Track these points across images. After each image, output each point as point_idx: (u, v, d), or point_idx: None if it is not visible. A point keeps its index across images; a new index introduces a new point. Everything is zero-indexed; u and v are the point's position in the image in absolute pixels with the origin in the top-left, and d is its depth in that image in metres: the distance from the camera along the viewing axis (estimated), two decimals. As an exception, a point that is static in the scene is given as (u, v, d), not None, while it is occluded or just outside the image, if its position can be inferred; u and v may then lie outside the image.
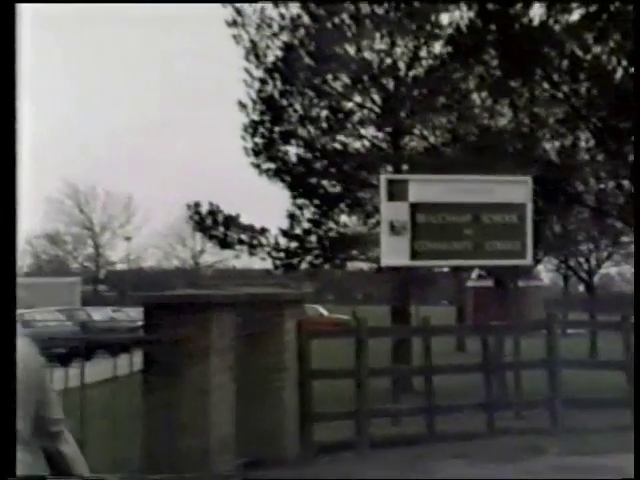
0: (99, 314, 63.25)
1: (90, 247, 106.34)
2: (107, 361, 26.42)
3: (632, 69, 30.08)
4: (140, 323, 23.25)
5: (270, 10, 35.93)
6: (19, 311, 61.95)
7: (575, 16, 33.76)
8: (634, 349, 17.49)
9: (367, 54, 35.67)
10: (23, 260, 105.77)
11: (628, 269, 49.22)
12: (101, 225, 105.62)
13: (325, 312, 54.44)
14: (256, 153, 35.73)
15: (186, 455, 20.16)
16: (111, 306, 59.79)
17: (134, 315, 47.81)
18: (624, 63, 32.43)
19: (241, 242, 36.97)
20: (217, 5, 35.99)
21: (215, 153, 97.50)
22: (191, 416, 20.36)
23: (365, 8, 35.37)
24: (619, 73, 32.76)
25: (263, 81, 36.07)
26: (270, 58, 36.03)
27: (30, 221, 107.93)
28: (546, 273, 47.80)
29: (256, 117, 35.70)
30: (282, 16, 35.86)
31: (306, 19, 35.52)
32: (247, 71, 36.21)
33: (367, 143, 35.43)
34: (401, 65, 35.43)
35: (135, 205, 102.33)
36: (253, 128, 35.83)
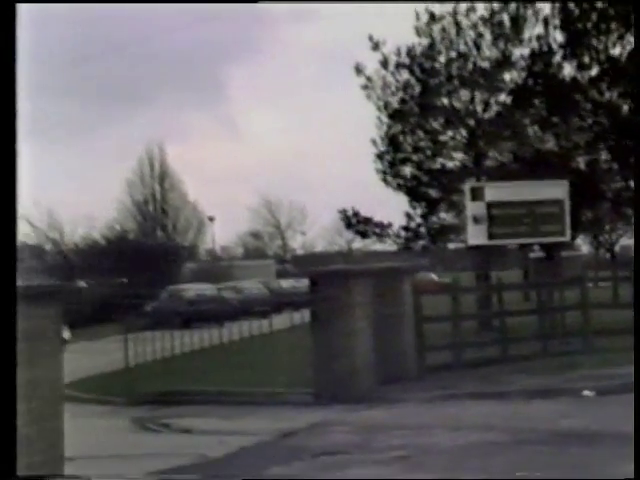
0: (287, 284, 63.78)
1: (279, 240, 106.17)
2: (291, 315, 27.09)
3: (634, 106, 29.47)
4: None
5: (389, 77, 36.28)
6: (232, 283, 61.50)
7: (594, 71, 34.31)
8: (634, 350, 16.80)
9: (456, 103, 36.12)
10: (237, 250, 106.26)
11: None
12: (286, 225, 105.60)
13: (435, 277, 54.38)
14: (384, 173, 36.40)
15: (340, 373, 21.20)
16: (294, 278, 59.95)
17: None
18: (629, 103, 33.02)
19: (375, 233, 37.62)
20: (352, 72, 36.40)
21: (357, 173, 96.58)
22: (342, 349, 21.39)
23: (454, 70, 35.83)
24: (625, 109, 33.35)
25: (388, 125, 36.58)
26: (391, 109, 36.34)
27: (240, 224, 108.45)
28: (583, 246, 47.34)
29: (383, 148, 36.27)
30: (397, 80, 36.29)
31: (413, 81, 35.97)
32: (378, 118, 36.72)
33: (458, 163, 35.91)
34: (479, 109, 35.80)
35: (308, 210, 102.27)
36: (381, 156, 36.44)
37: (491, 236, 29.73)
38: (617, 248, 52.12)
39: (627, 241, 52.30)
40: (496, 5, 35.02)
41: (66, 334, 33.93)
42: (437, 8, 35.55)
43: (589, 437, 15.43)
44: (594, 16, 33.89)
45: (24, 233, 67.82)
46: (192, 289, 58.48)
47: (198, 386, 22.91)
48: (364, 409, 19.62)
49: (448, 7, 35.49)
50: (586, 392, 20.24)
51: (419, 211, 36.29)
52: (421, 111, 36.22)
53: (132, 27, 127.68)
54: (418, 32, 35.91)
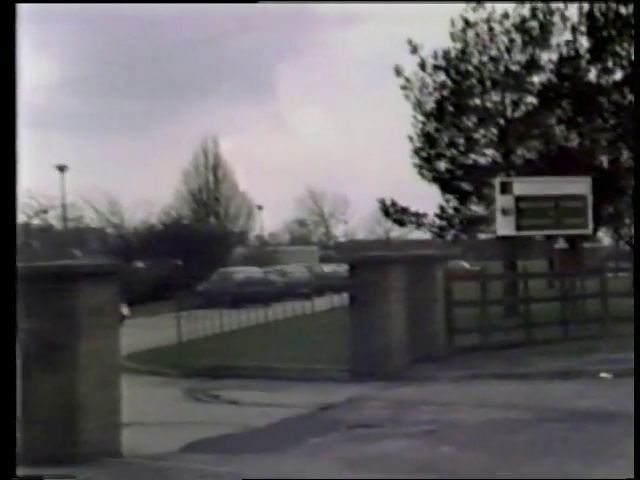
0: (329, 268, 63.80)
1: (323, 228, 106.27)
2: (332, 297, 27.21)
3: None
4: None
5: (426, 78, 36.32)
6: (278, 267, 61.42)
7: (617, 76, 34.30)
8: (634, 349, 16.61)
9: (488, 103, 36.14)
10: (284, 236, 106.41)
11: None
12: (329, 214, 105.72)
13: (467, 265, 54.12)
14: (420, 167, 36.45)
15: (376, 352, 21.32)
16: (336, 263, 59.95)
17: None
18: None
19: (411, 222, 37.66)
20: (392, 74, 36.44)
21: (395, 167, 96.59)
22: (378, 329, 21.50)
23: (486, 73, 35.82)
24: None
25: (423, 123, 36.63)
26: (427, 108, 36.40)
27: (286, 212, 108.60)
28: (605, 238, 47.10)
29: (419, 144, 36.33)
30: (434, 81, 36.35)
31: (448, 82, 36.03)
32: (414, 117, 36.79)
33: (488, 159, 35.90)
34: (508, 110, 35.80)
35: (349, 200, 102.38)
36: (417, 152, 36.51)
37: (518, 227, 29.87)
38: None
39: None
40: (526, 12, 35.05)
41: (125, 310, 34.24)
42: (471, 15, 35.66)
43: (605, 416, 15.52)
44: (618, 24, 33.83)
45: (90, 217, 68.48)
46: (241, 272, 58.64)
47: (244, 362, 23.07)
48: (397, 386, 19.74)
49: (482, 14, 35.56)
50: (603, 374, 20.30)
51: (452, 203, 36.32)
52: (455, 110, 36.26)
53: (189, 29, 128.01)
54: (453, 37, 36.03)
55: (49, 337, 13.51)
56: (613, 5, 34.06)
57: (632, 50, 33.76)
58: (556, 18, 34.98)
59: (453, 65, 36.30)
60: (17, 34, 6.15)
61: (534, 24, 35.13)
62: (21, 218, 62.92)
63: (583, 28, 34.62)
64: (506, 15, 35.36)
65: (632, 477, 7.88)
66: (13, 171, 6.01)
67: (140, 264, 60.00)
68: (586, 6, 34.43)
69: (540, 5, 34.92)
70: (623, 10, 33.85)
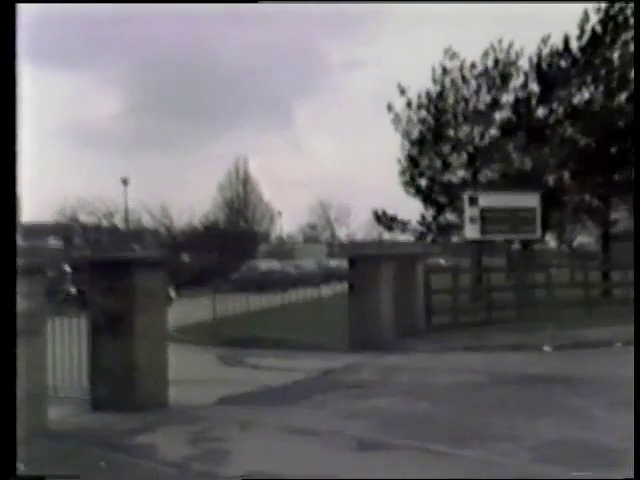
0: (334, 262, 63.67)
1: (329, 230, 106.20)
2: (335, 285, 27.21)
3: None
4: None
5: (411, 114, 36.45)
6: (293, 261, 60.90)
7: (560, 113, 34.42)
8: (634, 351, 16.31)
9: (460, 134, 36.32)
10: (298, 237, 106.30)
11: (587, 239, 48.27)
12: (335, 219, 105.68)
13: (443, 261, 53.90)
14: (406, 184, 36.60)
15: (369, 329, 21.39)
16: (339, 258, 59.85)
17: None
18: (585, 137, 33.13)
19: (398, 228, 37.74)
20: (385, 110, 36.45)
21: (387, 183, 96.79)
22: (371, 311, 21.58)
23: (459, 109, 35.96)
24: (582, 143, 33.48)
25: (409, 149, 36.79)
26: (412, 137, 36.55)
27: (301, 218, 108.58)
28: (551, 241, 47.11)
29: (405, 166, 36.46)
30: (418, 116, 36.54)
31: (429, 117, 36.25)
32: (402, 144, 36.95)
33: (460, 178, 36.01)
34: (476, 139, 36.01)
35: (351, 209, 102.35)
36: (404, 172, 36.64)
37: (483, 232, 30.08)
38: (574, 244, 52.13)
39: (582, 239, 52.16)
40: (490, 63, 35.16)
41: (172, 293, 34.29)
42: (448, 63, 35.85)
43: (546, 380, 15.64)
44: (560, 74, 33.93)
45: (146, 220, 68.59)
46: (264, 264, 58.60)
47: (265, 334, 23.07)
48: (385, 355, 19.74)
49: (456, 63, 35.74)
50: (546, 347, 20.37)
51: (431, 212, 36.36)
52: (434, 139, 36.30)
53: (226, 69, 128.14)
54: (434, 81, 36.14)
55: (112, 312, 13.62)
56: (556, 58, 34.21)
57: (571, 94, 34.02)
58: (512, 68, 35.14)
59: (433, 103, 36.37)
60: (17, 34, 5.49)
61: (496, 72, 35.26)
62: (92, 219, 63.19)
63: (533, 75, 34.76)
64: (474, 65, 35.52)
65: (632, 477, 7.38)
66: (13, 172, 5.47)
67: (185, 257, 59.91)
68: (535, 59, 34.57)
69: (501, 57, 35.03)
70: (563, 63, 34.07)
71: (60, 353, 13.21)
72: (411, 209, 37.55)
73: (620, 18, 32.35)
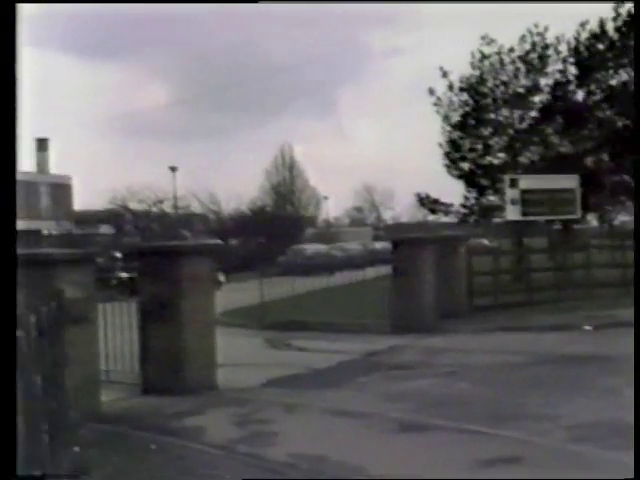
0: (379, 245, 63.46)
1: (375, 213, 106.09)
2: (380, 268, 27.16)
3: None
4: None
5: (453, 97, 36.29)
6: (339, 244, 60.63)
7: (598, 96, 34.17)
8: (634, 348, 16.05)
9: (500, 117, 36.08)
10: (344, 220, 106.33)
11: (629, 218, 47.46)
12: (379, 203, 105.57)
13: (487, 242, 53.20)
14: (448, 167, 36.35)
15: (411, 311, 21.38)
16: (385, 241, 59.57)
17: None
18: (623, 119, 32.79)
19: (441, 210, 37.62)
20: (427, 94, 36.25)
21: (430, 166, 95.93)
22: (414, 293, 21.57)
23: (498, 93, 35.76)
24: (619, 124, 33.24)
25: (450, 132, 36.51)
26: (453, 120, 36.33)
27: (346, 201, 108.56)
28: (593, 221, 46.15)
29: (447, 149, 36.21)
30: (459, 99, 36.32)
31: (470, 100, 36.03)
32: (443, 128, 36.72)
33: (501, 160, 35.77)
34: (516, 122, 35.76)
35: (395, 193, 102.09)
36: (446, 155, 36.46)
37: (524, 214, 30.13)
38: (615, 222, 51.50)
39: (623, 218, 51.55)
40: (528, 46, 34.83)
41: (221, 277, 34.48)
42: (486, 48, 35.56)
43: (586, 358, 15.60)
44: (598, 57, 33.66)
45: (195, 206, 69.00)
46: (310, 248, 58.64)
47: (311, 317, 23.17)
48: (427, 337, 19.73)
49: (494, 48, 35.45)
50: (586, 327, 20.29)
51: (473, 194, 36.19)
52: (475, 122, 36.05)
53: (270, 58, 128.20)
54: (473, 66, 35.86)
55: (161, 298, 13.75)
56: (594, 41, 33.92)
57: (608, 77, 33.77)
58: (551, 51, 34.83)
59: (473, 87, 36.12)
60: (17, 34, 5.27)
61: (534, 56, 34.98)
62: (142, 207, 63.63)
63: (572, 60, 34.48)
64: (512, 49, 35.23)
65: (632, 477, 7.15)
66: (13, 174, 5.23)
67: (233, 242, 60.17)
68: (573, 42, 34.29)
69: (538, 40, 34.76)
70: (600, 46, 33.78)
71: (111, 338, 13.36)
72: (453, 191, 37.40)
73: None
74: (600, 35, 33.75)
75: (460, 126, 36.55)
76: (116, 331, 13.55)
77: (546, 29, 34.67)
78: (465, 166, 36.60)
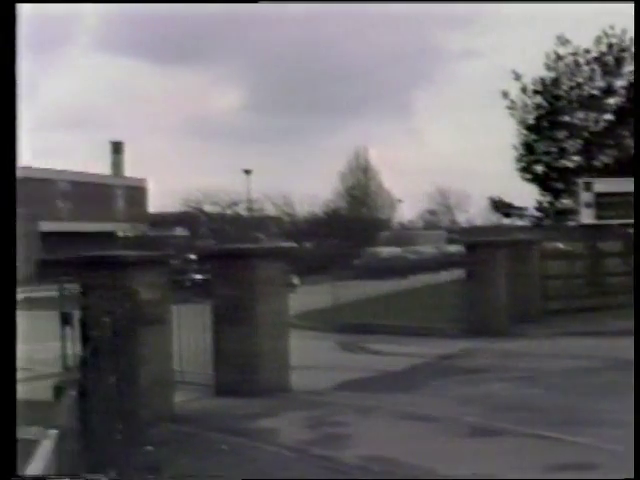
0: (453, 248, 63.04)
1: (449, 216, 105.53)
2: (454, 271, 26.88)
3: None
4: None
5: (526, 100, 36.03)
6: (413, 247, 60.05)
7: None
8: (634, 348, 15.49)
9: (575, 120, 35.76)
10: (418, 223, 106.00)
11: None
12: (454, 205, 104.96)
13: (561, 246, 52.48)
14: (522, 170, 36.14)
15: (484, 314, 21.29)
16: (458, 245, 59.12)
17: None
18: None
19: (514, 214, 37.45)
20: (500, 96, 36.01)
21: (503, 169, 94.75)
22: (487, 296, 21.62)
23: (573, 95, 35.42)
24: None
25: (525, 135, 36.30)
26: (528, 123, 36.08)
27: (420, 204, 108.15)
28: None
29: (521, 152, 35.97)
30: (533, 102, 36.01)
31: (544, 103, 35.71)
32: (517, 130, 36.53)
33: (576, 164, 35.44)
34: (591, 125, 35.37)
35: (469, 195, 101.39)
36: (520, 158, 36.22)
37: (598, 217, 29.67)
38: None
39: None
40: (604, 48, 34.49)
41: (295, 280, 34.48)
42: (561, 49, 35.29)
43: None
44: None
45: (268, 209, 69.29)
46: (385, 251, 58.45)
47: (385, 320, 23.09)
48: (501, 341, 19.60)
49: (569, 49, 35.14)
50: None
51: (547, 198, 35.93)
52: (549, 125, 35.78)
53: (344, 62, 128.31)
54: (547, 67, 35.60)
55: (235, 300, 13.82)
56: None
57: None
58: (627, 53, 34.39)
59: (548, 90, 35.86)
60: (17, 34, 5.17)
61: (610, 57, 34.57)
62: (216, 209, 64.08)
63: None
64: (588, 50, 34.89)
65: (632, 477, 7.13)
66: (13, 174, 5.11)
67: (307, 245, 60.28)
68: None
69: (614, 42, 34.33)
70: None
71: (185, 339, 13.44)
72: (527, 195, 37.14)
73: None
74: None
75: (534, 129, 36.32)
76: (190, 332, 13.61)
77: (624, 31, 34.24)
78: (539, 169, 36.38)
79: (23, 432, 5.95)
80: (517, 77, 36.05)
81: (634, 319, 13.59)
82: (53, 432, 6.07)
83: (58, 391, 9.43)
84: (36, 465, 5.26)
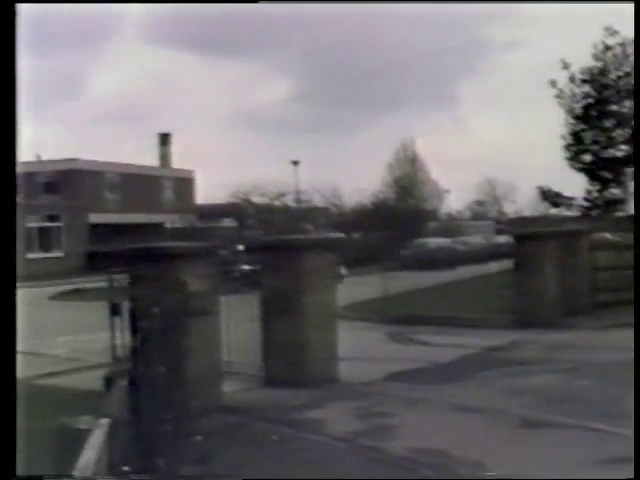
0: (501, 239, 62.64)
1: (496, 206, 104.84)
2: (502, 262, 26.74)
3: None
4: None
5: (575, 89, 35.76)
6: (462, 238, 59.69)
7: None
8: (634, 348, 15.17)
9: (623, 108, 35.33)
10: (466, 214, 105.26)
11: None
12: (502, 196, 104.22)
13: (609, 236, 52.01)
14: (570, 159, 35.88)
15: (534, 306, 21.11)
16: (507, 235, 58.82)
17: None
18: None
19: (563, 204, 37.18)
20: (548, 86, 35.76)
21: (551, 159, 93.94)
22: (536, 287, 21.41)
23: (621, 84, 35.07)
24: None
25: (573, 124, 36.01)
26: (576, 112, 35.80)
27: (468, 195, 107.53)
28: None
29: (570, 142, 35.69)
30: (581, 91, 35.72)
31: (593, 92, 35.41)
32: (565, 120, 36.26)
33: (624, 153, 35.05)
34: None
35: (516, 185, 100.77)
36: (568, 148, 35.95)
37: (646, 204, 29.22)
38: None
39: None
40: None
41: (343, 271, 34.45)
42: (609, 40, 34.96)
43: None
44: None
45: (317, 200, 69.30)
46: (433, 241, 58.24)
47: (433, 312, 23.04)
48: (550, 332, 19.46)
49: (617, 39, 34.80)
50: None
51: (596, 187, 35.63)
52: (598, 114, 35.49)
53: (390, 55, 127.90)
54: (595, 57, 35.32)
55: (283, 291, 13.86)
56: None
57: None
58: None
59: (595, 79, 35.59)
60: (17, 34, 5.13)
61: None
62: (264, 200, 64.15)
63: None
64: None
65: (632, 477, 7.06)
66: (13, 174, 5.05)
67: (355, 236, 60.15)
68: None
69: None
70: None
71: (234, 330, 13.47)
72: (576, 184, 36.84)
73: None
74: None
75: (583, 118, 36.03)
76: (238, 323, 13.65)
77: None
78: (587, 158, 36.11)
79: (75, 422, 6.02)
80: (565, 66, 35.77)
81: (634, 319, 13.45)
82: (105, 421, 6.12)
83: (108, 381, 9.53)
84: (89, 454, 5.30)
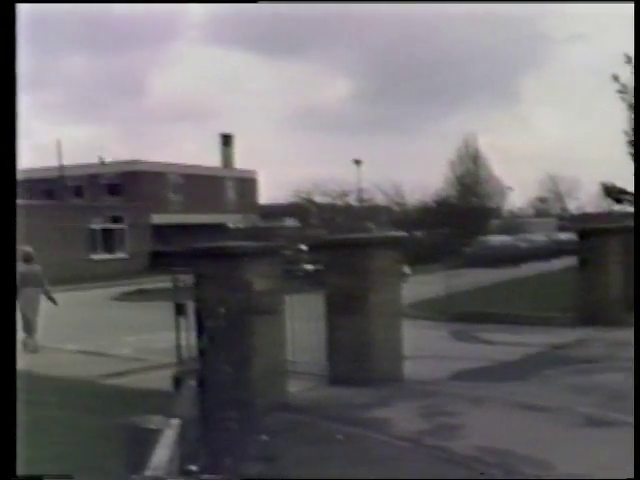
0: (564, 236, 62.11)
1: (559, 203, 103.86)
2: (566, 259, 26.47)
3: None
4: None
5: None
6: (524, 235, 59.23)
7: None
8: (634, 348, 14.40)
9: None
10: (529, 211, 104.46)
11: None
12: (564, 192, 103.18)
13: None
14: (633, 155, 35.33)
15: (598, 304, 20.88)
16: (570, 232, 58.30)
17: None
18: None
19: (627, 200, 36.62)
20: (610, 80, 35.29)
21: (615, 155, 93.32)
22: (601, 284, 21.20)
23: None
24: None
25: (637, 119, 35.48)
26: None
27: (530, 192, 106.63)
28: None
29: (633, 137, 35.18)
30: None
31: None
32: (629, 118, 35.71)
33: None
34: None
35: (580, 182, 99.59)
36: (631, 142, 35.41)
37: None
38: None
39: None
40: None
41: (407, 270, 34.36)
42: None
43: None
44: None
45: (378, 199, 69.22)
46: (496, 239, 57.97)
47: (497, 309, 22.92)
48: (615, 330, 19.21)
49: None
50: None
51: (660, 180, 35.20)
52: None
53: (451, 51, 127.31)
54: (659, 51, 34.88)
55: (348, 290, 13.87)
56: None
57: None
58: None
59: (660, 72, 35.14)
60: (16, 34, 5.07)
61: None
62: (326, 200, 64.23)
63: None
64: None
65: (632, 477, 7.04)
66: (13, 174, 5.01)
67: (418, 234, 60.03)
68: None
69: None
70: None
71: (298, 329, 13.52)
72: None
73: None
74: None
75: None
76: (303, 322, 13.70)
77: None
78: (646, 152, 35.61)
79: (143, 421, 6.10)
80: (628, 60, 35.28)
81: (634, 319, 13.29)
82: (175, 421, 6.19)
83: (176, 381, 9.63)
84: (161, 453, 5.36)
